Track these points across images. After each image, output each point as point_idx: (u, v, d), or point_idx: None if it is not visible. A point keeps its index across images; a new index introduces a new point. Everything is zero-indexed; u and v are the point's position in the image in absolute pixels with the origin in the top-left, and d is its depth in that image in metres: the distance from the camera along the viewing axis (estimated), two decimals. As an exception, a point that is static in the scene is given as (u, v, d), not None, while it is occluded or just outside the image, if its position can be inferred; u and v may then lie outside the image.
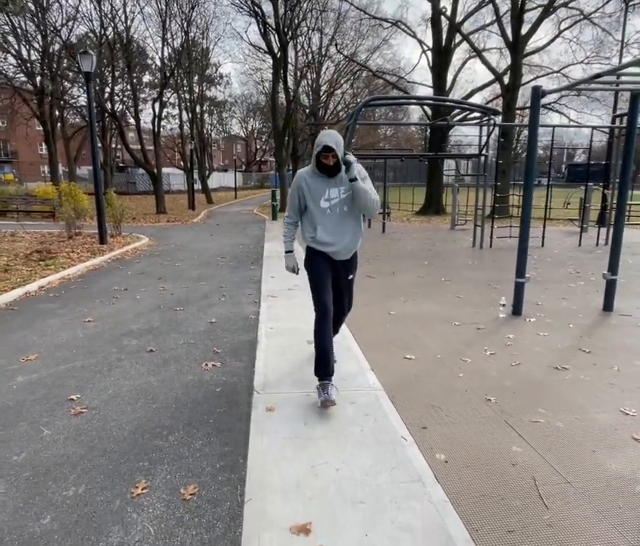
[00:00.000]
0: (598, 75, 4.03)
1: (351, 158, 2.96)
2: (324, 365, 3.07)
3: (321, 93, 33.14)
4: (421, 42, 24.16)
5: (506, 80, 19.91)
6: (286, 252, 3.35)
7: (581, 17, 20.63)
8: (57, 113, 25.37)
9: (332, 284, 3.21)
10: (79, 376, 3.49)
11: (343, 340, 4.36)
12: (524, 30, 18.92)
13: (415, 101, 13.04)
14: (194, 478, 2.30)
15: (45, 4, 20.63)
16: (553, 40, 22.22)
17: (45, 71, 22.33)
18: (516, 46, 18.64)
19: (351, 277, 3.37)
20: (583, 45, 29.27)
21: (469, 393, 3.27)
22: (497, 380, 3.50)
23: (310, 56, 30.00)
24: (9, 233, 11.67)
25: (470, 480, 2.31)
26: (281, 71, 23.77)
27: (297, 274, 3.38)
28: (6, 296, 5.78)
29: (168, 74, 22.39)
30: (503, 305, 5.22)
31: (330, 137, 2.90)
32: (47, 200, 16.64)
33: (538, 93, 4.63)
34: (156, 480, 2.28)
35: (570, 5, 20.05)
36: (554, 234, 13.22)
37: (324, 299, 3.11)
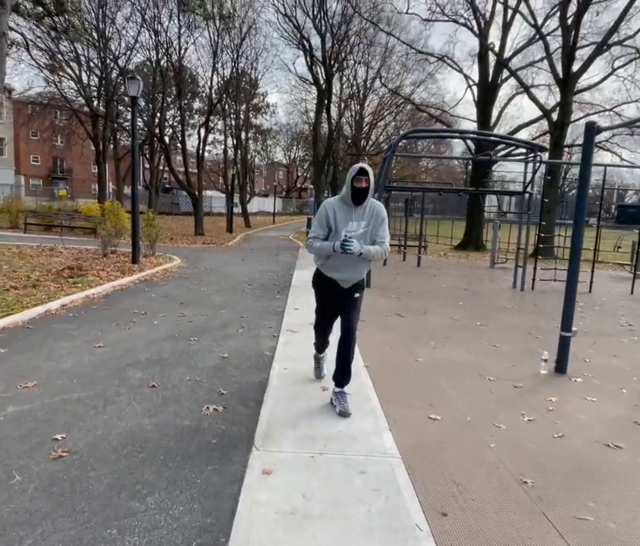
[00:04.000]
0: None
1: (353, 245, 3.16)
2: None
3: (364, 124, 33.29)
4: (467, 77, 23.83)
5: (554, 116, 19.20)
6: (334, 250, 3.22)
7: (637, 55, 19.68)
8: (109, 135, 26.64)
9: (338, 305, 3.51)
10: (71, 411, 3.27)
11: (362, 388, 3.98)
12: (575, 67, 18.26)
13: (457, 134, 12.65)
14: (163, 559, 1.96)
15: (107, 35, 21.90)
16: (606, 78, 21.36)
17: (102, 94, 23.59)
18: (566, 83, 17.98)
19: (357, 295, 3.50)
20: (638, 83, 27.99)
21: (501, 471, 2.79)
22: (536, 456, 2.99)
23: (355, 88, 30.31)
24: (48, 248, 12.02)
25: (496, 598, 1.85)
26: (325, 102, 24.04)
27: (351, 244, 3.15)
28: (26, 313, 5.75)
29: (215, 102, 23.04)
30: (545, 360, 4.66)
31: (365, 165, 3.23)
32: (90, 217, 17.20)
33: (592, 130, 4.17)
34: (120, 556, 1.96)
35: (625, 43, 19.21)
36: (603, 279, 12.32)
37: (323, 324, 3.74)
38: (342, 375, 3.48)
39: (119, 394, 3.60)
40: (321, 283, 3.53)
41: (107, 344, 4.84)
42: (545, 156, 10.83)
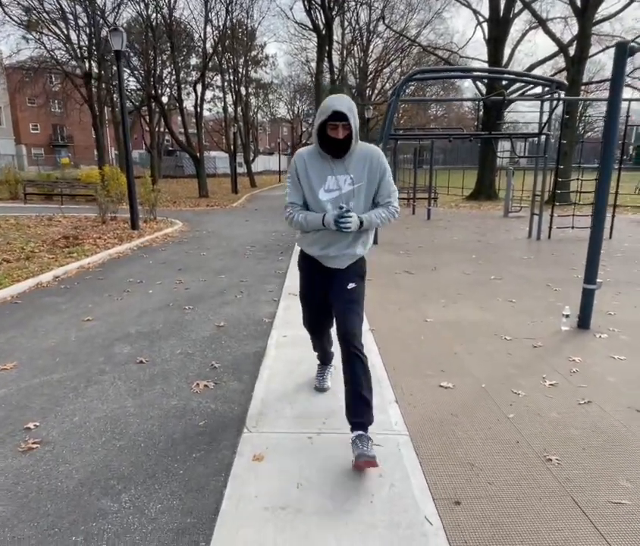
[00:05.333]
0: None
1: (352, 221, 2.21)
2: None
3: (369, 72, 31.87)
4: (476, 13, 22.45)
5: (571, 51, 17.99)
6: (324, 225, 2.27)
7: (665, -25, 18.15)
8: (105, 97, 25.83)
9: (327, 297, 2.51)
10: (49, 394, 3.01)
11: (367, 354, 3.65)
12: (595, -6, 16.90)
13: (467, 73, 11.84)
14: (132, 572, 1.71)
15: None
16: (628, 5, 19.81)
17: (94, 53, 22.68)
18: (585, 12, 16.67)
19: (352, 286, 2.41)
20: (664, 10, 26.06)
21: (522, 446, 2.48)
22: (560, 426, 2.67)
23: (357, 32, 28.82)
24: (46, 218, 11.74)
25: None
26: (326, 48, 22.86)
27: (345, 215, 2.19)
28: (16, 287, 5.50)
29: (210, 52, 22.04)
30: (567, 316, 4.29)
31: (342, 101, 2.14)
32: (91, 184, 16.82)
33: (624, 51, 3.62)
34: (82, 571, 1.71)
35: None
36: (623, 224, 11.74)
37: (310, 323, 2.84)
38: (357, 413, 2.29)
39: (103, 373, 3.34)
40: (303, 263, 2.62)
41: (96, 317, 4.57)
42: (563, 94, 10.07)
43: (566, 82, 9.57)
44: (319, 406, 2.87)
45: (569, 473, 2.26)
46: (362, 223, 2.27)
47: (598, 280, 4.29)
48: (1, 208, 14.65)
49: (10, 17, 18.93)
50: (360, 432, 2.25)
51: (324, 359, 3.09)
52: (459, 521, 1.95)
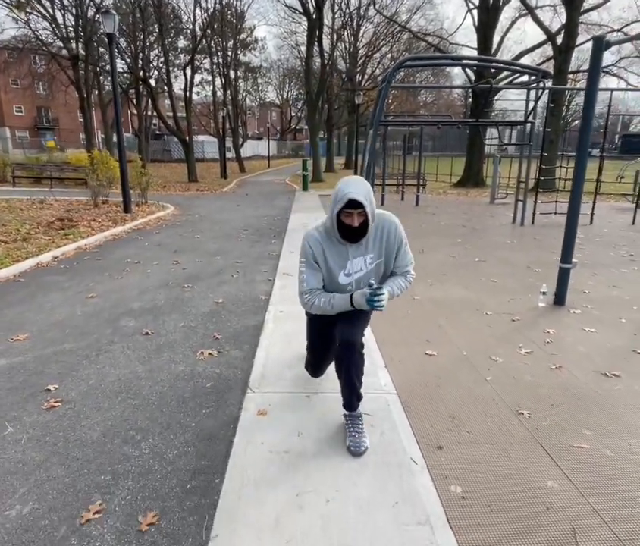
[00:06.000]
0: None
1: (385, 298, 2.13)
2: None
3: (359, 57, 31.85)
4: (466, -1, 22.50)
5: (559, 40, 18.27)
6: (352, 306, 2.23)
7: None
8: (92, 79, 25.48)
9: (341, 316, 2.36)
10: (63, 361, 3.23)
11: (359, 328, 3.93)
12: (582, -17, 17.16)
13: (456, 61, 12.06)
14: (157, 502, 1.96)
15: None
16: (615, -6, 20.10)
17: (80, 34, 22.32)
18: (573, 1, 16.92)
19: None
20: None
21: (498, 403, 2.78)
22: (532, 387, 2.98)
23: (348, 17, 28.72)
24: (38, 201, 11.75)
25: (492, 526, 1.86)
26: (316, 33, 22.77)
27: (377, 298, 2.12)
28: (17, 266, 5.64)
29: (199, 35, 21.85)
30: (544, 293, 4.60)
31: (357, 187, 2.03)
32: (80, 167, 16.74)
33: (600, 45, 3.88)
34: (114, 501, 1.95)
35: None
36: (604, 210, 12.14)
37: (315, 365, 2.79)
38: (349, 396, 2.39)
39: (112, 343, 3.56)
40: (312, 318, 2.64)
41: (99, 294, 4.77)
42: (549, 83, 10.35)
43: (552, 71, 9.81)
44: (315, 370, 3.13)
45: (537, 424, 2.56)
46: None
47: (574, 259, 4.60)
48: (-10, 190, 14.55)
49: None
50: (352, 412, 2.40)
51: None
52: (440, 461, 2.24)
